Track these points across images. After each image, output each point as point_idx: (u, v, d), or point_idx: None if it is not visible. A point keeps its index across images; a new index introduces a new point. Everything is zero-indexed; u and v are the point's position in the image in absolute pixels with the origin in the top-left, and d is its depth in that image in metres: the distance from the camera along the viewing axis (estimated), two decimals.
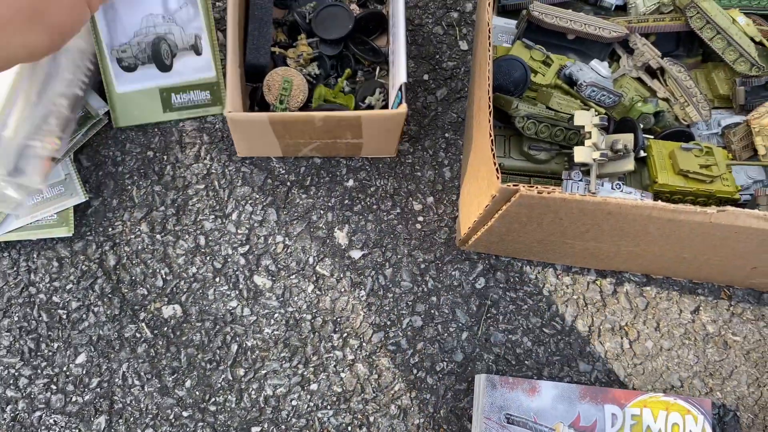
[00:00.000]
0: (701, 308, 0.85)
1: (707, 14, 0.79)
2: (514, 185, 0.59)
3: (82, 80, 0.77)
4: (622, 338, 0.83)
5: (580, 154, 0.69)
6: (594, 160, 0.69)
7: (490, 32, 0.65)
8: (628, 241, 0.71)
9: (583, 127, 0.70)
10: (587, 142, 0.69)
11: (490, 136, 0.61)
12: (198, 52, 0.83)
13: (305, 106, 0.79)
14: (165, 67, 0.82)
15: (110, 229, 0.80)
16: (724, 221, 0.62)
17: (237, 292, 0.79)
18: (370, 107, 0.80)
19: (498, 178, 0.59)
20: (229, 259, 0.80)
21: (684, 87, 0.80)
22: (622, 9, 0.87)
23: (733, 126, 0.82)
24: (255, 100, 0.81)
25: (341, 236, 0.82)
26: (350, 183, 0.84)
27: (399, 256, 0.82)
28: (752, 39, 0.81)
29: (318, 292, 0.80)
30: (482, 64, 0.67)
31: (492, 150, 0.60)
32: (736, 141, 0.80)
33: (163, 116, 0.82)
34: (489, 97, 0.62)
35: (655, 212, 0.62)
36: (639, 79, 0.82)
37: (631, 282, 0.85)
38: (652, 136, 0.79)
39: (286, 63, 0.82)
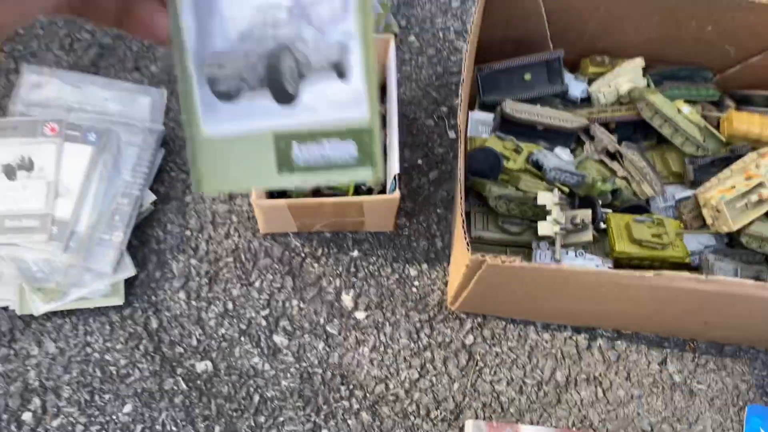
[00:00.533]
0: (668, 359, 0.96)
1: (655, 106, 0.93)
2: (482, 256, 0.73)
3: (140, 182, 0.94)
4: (596, 387, 0.94)
5: (543, 228, 0.83)
6: (555, 233, 0.83)
7: (466, 139, 0.80)
8: (588, 301, 0.84)
9: (545, 205, 0.84)
10: (549, 218, 0.83)
11: (462, 216, 0.75)
12: (342, 74, 0.48)
13: (316, 191, 0.95)
14: (287, 97, 0.47)
15: (153, 297, 0.94)
16: (661, 284, 0.74)
17: (259, 350, 0.92)
18: (369, 191, 0.95)
19: (468, 250, 0.73)
20: (252, 321, 0.94)
21: (638, 167, 0.93)
22: (587, 101, 1.02)
23: (685, 199, 0.95)
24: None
25: (347, 299, 0.96)
26: (355, 253, 0.98)
27: (397, 317, 0.95)
28: (697, 124, 0.95)
29: (328, 349, 0.93)
30: (461, 158, 0.82)
31: (463, 227, 0.74)
32: (686, 212, 0.93)
33: (279, 180, 0.46)
34: (461, 186, 0.77)
35: (602, 277, 0.75)
36: (601, 161, 0.96)
37: (603, 337, 0.96)
38: (611, 210, 0.92)
39: None
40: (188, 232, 0.98)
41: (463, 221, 0.74)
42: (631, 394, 0.94)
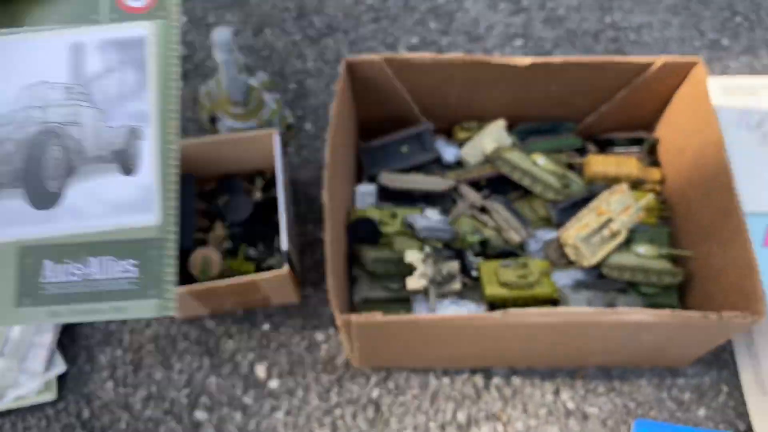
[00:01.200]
0: (560, 389, 1.04)
1: (511, 162, 1.05)
2: (347, 316, 0.82)
3: None
4: (495, 423, 1.01)
5: (410, 282, 0.93)
6: (423, 286, 0.93)
7: (330, 215, 0.91)
8: (462, 343, 0.93)
9: (411, 263, 0.94)
10: (415, 274, 0.93)
11: (331, 282, 0.84)
12: (127, 166, 0.41)
13: (222, 275, 1.05)
14: (46, 199, 0.39)
15: (84, 389, 1.03)
16: (510, 320, 0.83)
17: (182, 426, 1.01)
18: (270, 267, 1.06)
19: (338, 311, 0.83)
20: (175, 400, 1.02)
21: (503, 218, 1.04)
22: (459, 164, 1.14)
23: (550, 240, 1.05)
24: (185, 275, 1.07)
25: (261, 370, 1.05)
26: (266, 327, 1.08)
27: (308, 381, 1.04)
28: (554, 173, 1.06)
29: (245, 419, 1.01)
30: (327, 231, 0.93)
31: (333, 292, 0.84)
32: (551, 252, 1.03)
33: (15, 316, 0.39)
34: (330, 255, 0.87)
35: (456, 321, 0.84)
36: (473, 216, 1.07)
37: (498, 375, 1.04)
38: (481, 258, 1.02)
39: (207, 243, 1.09)
40: (113, 326, 1.08)
41: (337, 288, 0.84)
42: (528, 425, 1.01)
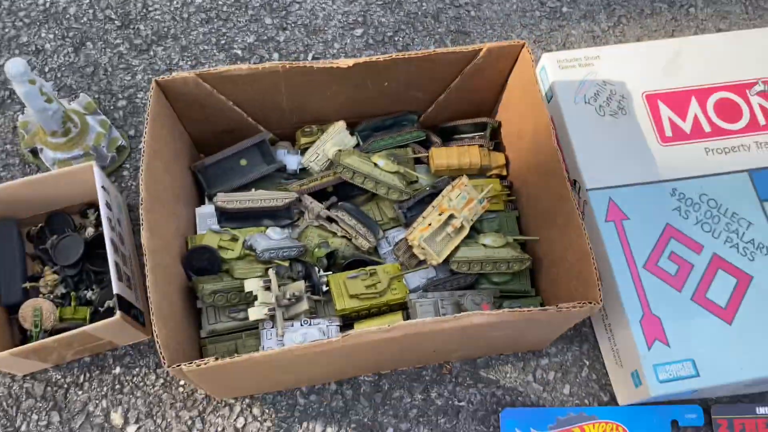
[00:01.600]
0: (429, 387, 1.03)
1: (351, 167, 1.01)
2: (177, 366, 0.77)
3: None
4: None
5: (253, 313, 0.89)
6: (265, 314, 0.89)
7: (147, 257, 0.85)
8: (315, 366, 0.90)
9: (251, 292, 0.90)
10: (256, 303, 0.89)
11: (153, 329, 0.79)
12: None
13: (55, 324, 0.97)
14: None
15: None
16: (351, 342, 0.80)
17: None
18: (110, 309, 0.99)
19: (164, 361, 0.77)
20: None
21: (350, 225, 1.01)
22: (305, 170, 1.10)
23: (399, 242, 1.03)
24: (18, 329, 0.99)
25: (116, 417, 0.99)
26: (117, 370, 1.02)
27: (168, 420, 0.99)
28: (396, 172, 1.04)
29: None
30: (146, 267, 0.87)
31: (155, 337, 0.78)
32: (401, 254, 1.01)
33: None
34: (157, 304, 0.81)
35: (296, 351, 0.81)
36: (321, 226, 1.03)
37: (366, 383, 1.03)
38: (332, 271, 0.99)
39: (38, 292, 1.01)
40: None
41: (156, 335, 0.78)
42: (400, 429, 1.00)
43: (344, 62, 0.96)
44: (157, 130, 0.91)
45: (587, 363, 1.06)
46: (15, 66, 0.93)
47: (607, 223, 1.02)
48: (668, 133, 1.10)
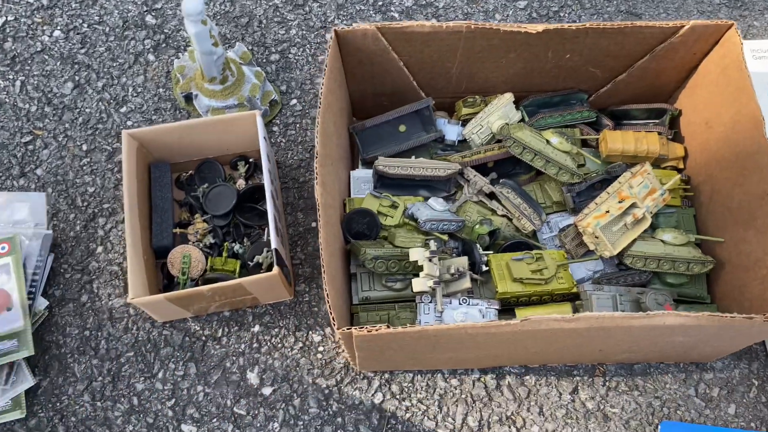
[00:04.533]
0: (579, 388, 0.96)
1: (522, 141, 0.94)
2: (347, 329, 0.73)
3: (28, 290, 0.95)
4: (510, 427, 0.93)
5: (417, 285, 0.83)
6: (430, 287, 0.83)
7: (322, 203, 0.80)
8: (471, 349, 0.84)
9: (416, 261, 0.84)
10: (422, 274, 0.83)
11: (326, 289, 0.74)
12: (9, 308, 0.91)
13: (205, 273, 0.95)
14: None
15: (58, 404, 0.94)
16: (529, 327, 0.74)
17: None
18: (258, 265, 0.95)
19: (334, 325, 0.73)
20: (159, 414, 0.93)
21: (514, 204, 0.94)
22: (464, 142, 1.03)
23: (567, 228, 0.95)
24: (164, 274, 0.97)
25: (253, 377, 0.95)
26: (256, 328, 0.98)
27: (305, 386, 0.95)
28: (569, 152, 0.96)
29: (238, 431, 0.93)
30: (321, 229, 0.82)
31: (328, 302, 0.74)
32: (568, 242, 0.94)
33: None
34: (324, 256, 0.77)
35: (469, 330, 0.75)
36: (480, 202, 0.97)
37: (511, 374, 0.96)
38: (491, 251, 0.92)
39: (187, 239, 0.98)
40: (87, 332, 0.98)
41: (327, 295, 0.74)
42: (546, 429, 0.93)
43: (533, 27, 0.89)
44: (332, 83, 0.87)
45: (756, 383, 0.96)
46: (193, 3, 0.91)
47: None
48: None
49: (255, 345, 0.98)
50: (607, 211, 0.89)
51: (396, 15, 1.21)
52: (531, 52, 0.94)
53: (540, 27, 0.89)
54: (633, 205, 0.90)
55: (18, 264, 0.95)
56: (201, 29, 0.94)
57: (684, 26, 0.90)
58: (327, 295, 0.73)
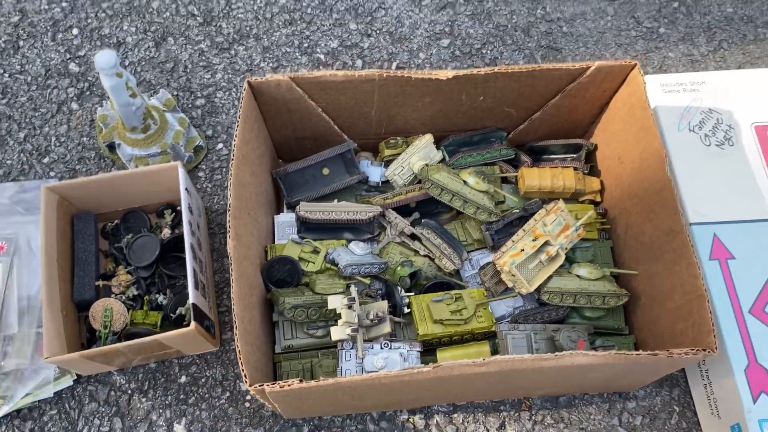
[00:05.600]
0: (506, 423, 0.97)
1: (440, 183, 0.96)
2: (260, 386, 0.73)
3: None
4: None
5: (336, 333, 0.84)
6: (348, 335, 0.84)
7: (232, 255, 0.80)
8: (391, 394, 0.84)
9: (335, 309, 0.85)
10: (340, 322, 0.84)
11: (238, 348, 0.74)
12: None
13: (126, 326, 0.94)
14: None
15: None
16: (442, 374, 0.75)
17: None
18: (181, 317, 0.95)
19: (246, 381, 0.73)
20: None
21: (435, 245, 0.96)
22: (387, 183, 1.05)
23: (486, 266, 0.97)
24: (87, 327, 0.96)
25: (180, 429, 0.95)
26: (183, 379, 0.98)
27: None
28: (486, 192, 0.98)
29: None
30: (232, 279, 0.82)
31: (240, 360, 0.74)
32: (488, 279, 0.95)
33: None
34: (241, 320, 0.77)
35: (383, 379, 0.75)
36: (403, 243, 0.98)
37: (440, 413, 0.97)
38: (414, 292, 0.94)
39: (111, 291, 0.97)
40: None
41: (239, 351, 0.74)
42: None
43: (443, 74, 0.91)
44: (246, 133, 0.87)
45: (677, 409, 0.99)
46: (105, 58, 0.91)
47: (711, 261, 0.95)
48: None
49: (182, 396, 0.97)
50: (522, 250, 0.91)
51: (322, 56, 1.22)
52: (445, 96, 0.96)
53: (450, 73, 0.91)
54: (547, 243, 0.92)
55: None
56: (116, 82, 0.94)
57: (590, 67, 0.93)
58: (239, 352, 0.73)
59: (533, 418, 0.97)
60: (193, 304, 0.86)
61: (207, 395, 0.97)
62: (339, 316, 0.85)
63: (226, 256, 1.05)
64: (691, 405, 0.99)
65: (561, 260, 0.93)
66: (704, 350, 0.76)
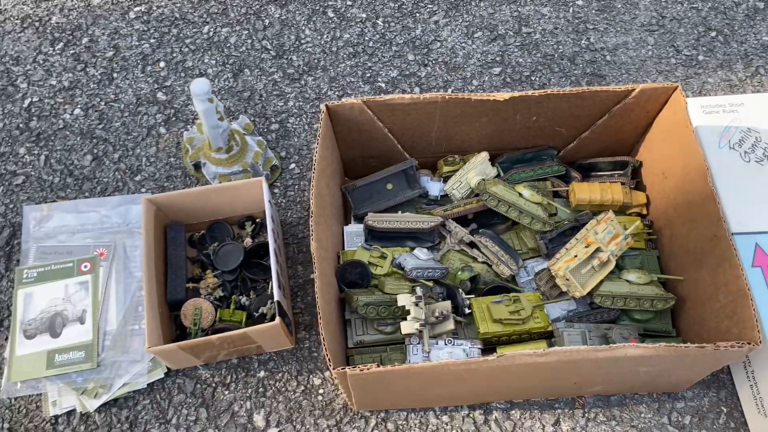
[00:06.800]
0: (561, 420, 1.04)
1: (497, 195, 1.05)
2: (342, 369, 0.82)
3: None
4: None
5: (405, 327, 0.92)
6: (417, 329, 0.92)
7: (319, 255, 0.90)
8: (456, 384, 0.92)
9: (404, 306, 0.94)
10: (409, 318, 0.93)
11: (322, 334, 0.84)
12: (83, 323, 1.06)
13: (214, 324, 1.04)
14: (56, 335, 1.05)
15: None
16: (506, 363, 0.83)
17: None
18: (263, 315, 1.05)
19: (330, 365, 0.82)
20: None
21: (493, 252, 1.04)
22: (446, 197, 1.14)
23: (541, 272, 1.05)
24: (177, 325, 1.07)
25: (259, 419, 1.04)
26: (262, 374, 1.07)
27: (307, 426, 1.03)
28: (540, 203, 1.07)
29: None
30: (317, 278, 0.92)
31: (324, 344, 0.83)
32: (543, 284, 1.03)
33: (45, 372, 1.03)
34: (321, 303, 0.86)
35: (452, 366, 0.84)
36: (462, 251, 1.07)
37: (498, 409, 1.04)
38: (473, 295, 1.02)
39: (199, 293, 1.08)
40: None
41: (323, 338, 0.83)
42: None
43: (500, 95, 1.01)
44: (324, 151, 0.98)
45: (725, 410, 1.04)
46: (200, 85, 1.03)
47: (753, 268, 1.01)
48: None
49: (260, 389, 1.06)
50: (576, 256, 0.99)
51: (383, 85, 1.34)
52: (501, 116, 1.06)
53: (507, 95, 1.00)
54: (598, 250, 1.00)
55: (96, 283, 1.11)
56: (208, 107, 1.06)
57: (635, 89, 1.02)
58: (323, 339, 0.83)
59: (586, 415, 1.04)
60: (277, 302, 0.96)
61: (283, 388, 1.06)
62: (408, 312, 0.93)
63: (299, 264, 1.16)
64: (738, 405, 1.04)
65: (612, 266, 1.00)
66: (749, 343, 0.82)
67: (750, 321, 0.84)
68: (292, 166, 1.26)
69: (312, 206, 0.91)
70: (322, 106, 1.00)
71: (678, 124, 1.01)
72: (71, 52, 1.38)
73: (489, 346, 0.99)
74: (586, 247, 1.00)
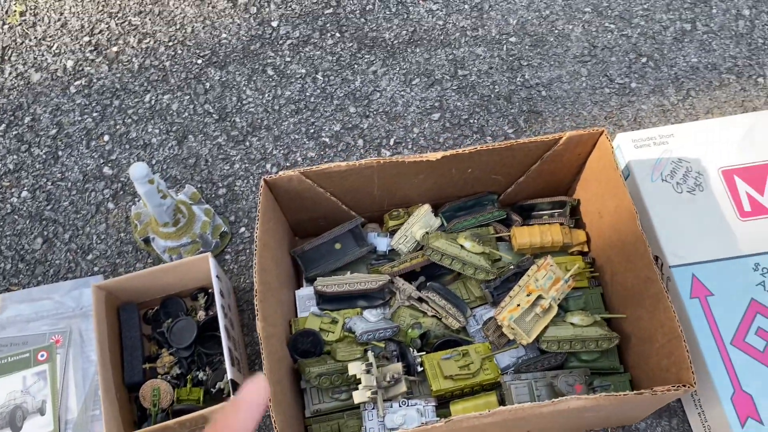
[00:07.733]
0: None
1: (440, 249, 1.08)
2: None
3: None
4: None
5: (357, 396, 0.95)
6: (368, 398, 0.94)
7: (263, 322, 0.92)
8: None
9: (355, 375, 0.96)
10: (360, 387, 0.95)
11: (274, 420, 0.86)
12: (43, 414, 1.07)
13: (173, 403, 1.05)
14: (17, 429, 1.06)
15: None
16: (453, 427, 0.85)
17: None
18: (220, 391, 1.06)
19: None
20: None
21: (440, 305, 1.07)
22: (394, 251, 1.17)
23: (488, 321, 1.08)
24: (137, 406, 1.08)
25: None
26: None
27: None
28: (482, 253, 1.09)
29: None
30: (263, 352, 0.94)
31: (275, 427, 0.85)
32: (491, 334, 1.06)
33: None
34: (274, 389, 0.88)
35: None
36: (412, 306, 1.10)
37: None
38: (426, 350, 1.04)
39: (156, 372, 1.09)
40: None
41: (274, 421, 0.85)
42: None
43: (433, 155, 1.03)
44: (266, 224, 1.00)
45: None
46: (138, 170, 1.05)
47: (692, 299, 1.05)
48: (747, 207, 1.13)
49: None
50: (518, 305, 1.02)
51: (327, 140, 1.36)
52: (437, 172, 1.09)
53: (439, 155, 1.03)
54: (540, 297, 1.03)
55: (53, 371, 1.12)
56: (149, 188, 1.08)
57: (562, 137, 1.05)
58: (275, 422, 0.84)
59: None
60: (231, 380, 0.98)
61: None
62: (359, 381, 0.96)
63: (254, 330, 1.18)
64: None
65: (554, 311, 1.03)
66: (684, 386, 0.85)
67: (684, 363, 0.87)
68: (242, 230, 1.28)
69: (256, 284, 0.92)
70: (261, 181, 1.01)
71: (606, 167, 1.05)
72: (14, 133, 1.38)
73: (443, 401, 1.02)
74: (528, 295, 1.03)
